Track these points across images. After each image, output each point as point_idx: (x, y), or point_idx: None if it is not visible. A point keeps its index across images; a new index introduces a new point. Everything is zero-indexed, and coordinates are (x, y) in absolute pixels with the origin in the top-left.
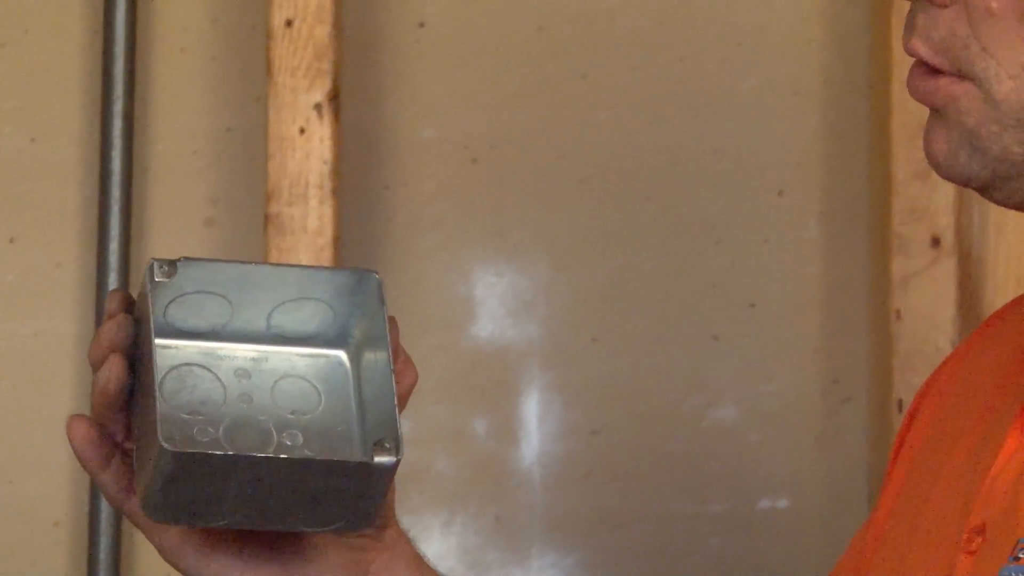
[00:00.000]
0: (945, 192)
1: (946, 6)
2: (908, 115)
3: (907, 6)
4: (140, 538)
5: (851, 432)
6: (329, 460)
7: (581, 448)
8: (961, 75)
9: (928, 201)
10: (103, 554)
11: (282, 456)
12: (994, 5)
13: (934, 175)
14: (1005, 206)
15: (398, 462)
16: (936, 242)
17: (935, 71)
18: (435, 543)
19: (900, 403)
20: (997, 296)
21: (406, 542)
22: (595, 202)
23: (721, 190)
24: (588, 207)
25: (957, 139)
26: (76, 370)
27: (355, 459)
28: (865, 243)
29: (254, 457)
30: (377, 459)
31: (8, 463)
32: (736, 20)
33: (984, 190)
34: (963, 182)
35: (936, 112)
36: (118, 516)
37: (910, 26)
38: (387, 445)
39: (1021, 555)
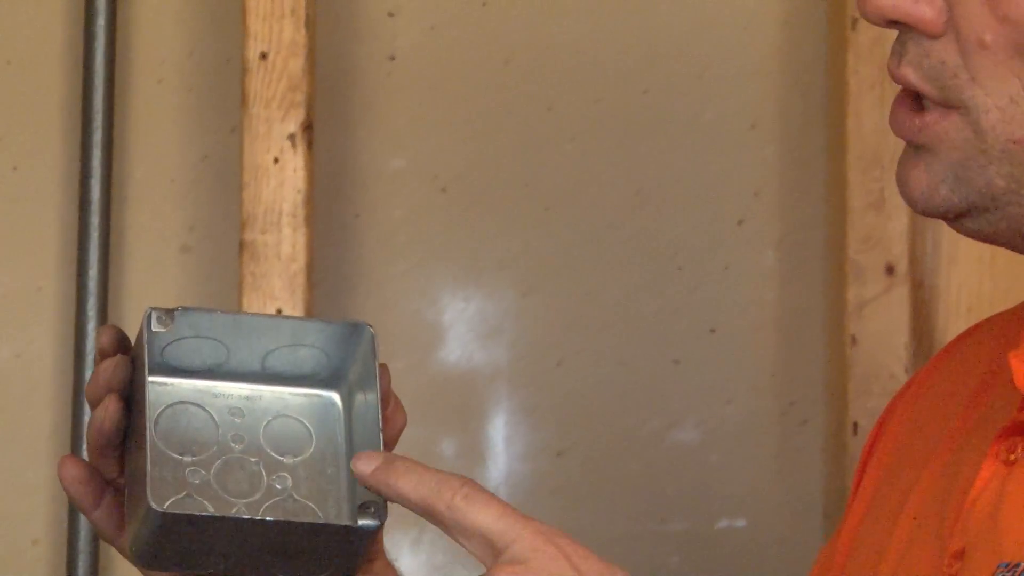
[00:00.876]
0: (899, 221)
1: (938, 37)
2: (863, 147)
3: (866, 40)
4: (119, 557)
5: (807, 454)
6: (312, 524)
7: (547, 468)
8: (948, 104)
9: (883, 230)
10: (82, 571)
11: (268, 519)
12: (987, 38)
13: (888, 205)
14: (975, 237)
15: (382, 525)
16: (890, 270)
17: (918, 108)
18: (405, 560)
19: (855, 426)
20: (949, 323)
21: (393, 572)
22: (560, 230)
23: (682, 219)
24: (553, 234)
25: (941, 173)
26: (55, 392)
27: (339, 523)
28: (821, 271)
29: (240, 518)
30: (361, 523)
31: None
32: (696, 54)
33: (956, 220)
34: (939, 215)
35: (914, 147)
36: (96, 534)
37: (898, 53)
38: (371, 509)
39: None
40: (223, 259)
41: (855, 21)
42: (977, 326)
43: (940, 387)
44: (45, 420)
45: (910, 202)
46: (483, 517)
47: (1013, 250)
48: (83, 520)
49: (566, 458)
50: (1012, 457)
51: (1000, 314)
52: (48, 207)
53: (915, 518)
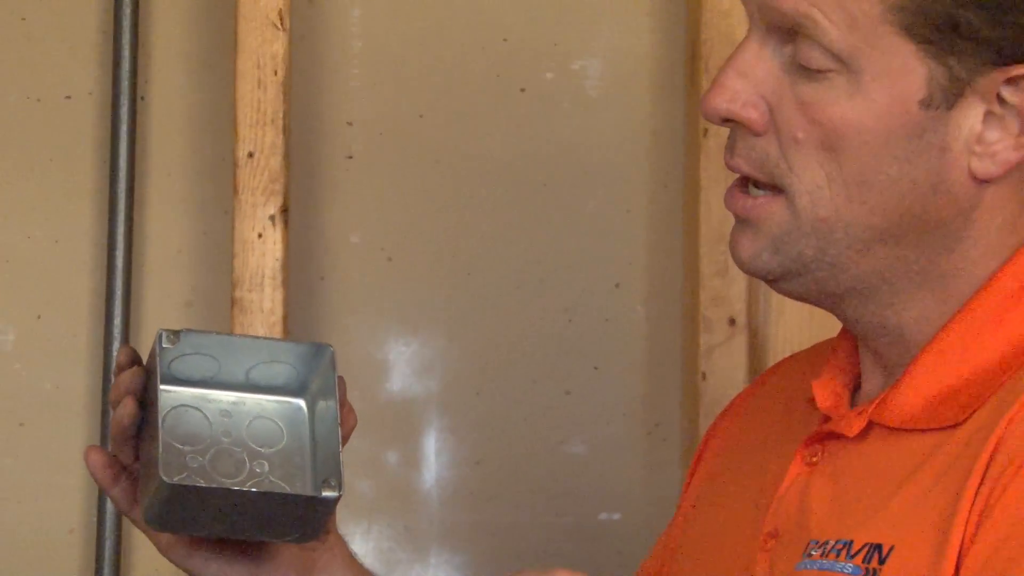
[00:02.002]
0: (739, 285)
1: (762, 135)
2: (712, 228)
3: (714, 145)
4: (137, 541)
5: (668, 463)
6: (285, 494)
7: (468, 475)
8: (775, 188)
9: (727, 292)
10: (108, 554)
11: (252, 489)
12: (800, 135)
13: (731, 272)
14: (789, 296)
15: (340, 497)
16: (732, 322)
17: (746, 191)
18: (356, 546)
19: None
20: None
21: (343, 545)
22: (479, 290)
23: (573, 282)
24: (474, 294)
25: (763, 243)
26: (86, 415)
27: (306, 493)
28: (679, 323)
29: (229, 489)
30: (324, 494)
31: (34, 485)
32: (583, 156)
33: (775, 282)
34: (760, 276)
35: (743, 221)
36: (120, 523)
37: (731, 147)
38: (332, 483)
39: (813, 553)
40: (219, 312)
41: (706, 131)
42: (782, 361)
43: (755, 408)
44: (79, 437)
45: (739, 264)
46: None
47: (821, 307)
48: (109, 513)
49: (483, 466)
50: (814, 460)
51: (800, 352)
52: (83, 271)
53: (735, 509)
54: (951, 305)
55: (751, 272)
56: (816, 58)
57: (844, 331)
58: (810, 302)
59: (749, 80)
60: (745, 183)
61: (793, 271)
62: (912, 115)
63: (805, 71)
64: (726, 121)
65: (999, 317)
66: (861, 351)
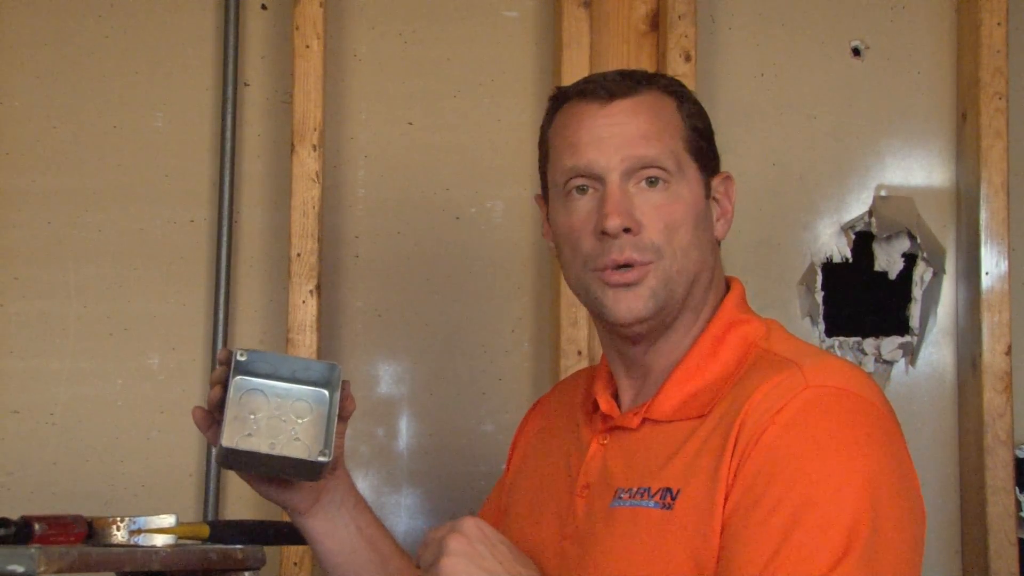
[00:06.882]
0: (583, 332)
1: (638, 234)
2: (568, 299)
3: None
4: (230, 481)
5: None
6: (297, 458)
7: (424, 442)
8: (646, 263)
9: (577, 335)
10: (212, 488)
11: (277, 454)
12: (678, 217)
13: (579, 324)
14: (639, 334)
15: (328, 461)
16: (579, 352)
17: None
18: (358, 485)
19: None
20: None
21: (347, 475)
22: (432, 334)
23: (487, 328)
24: (429, 337)
25: (645, 297)
26: (199, 385)
27: (310, 458)
28: (550, 352)
29: (257, 452)
30: (318, 459)
31: (169, 441)
32: (493, 256)
33: (645, 322)
34: (637, 322)
35: (625, 287)
36: (219, 471)
37: (619, 246)
38: (325, 451)
39: (623, 496)
40: (279, 346)
41: (559, 250)
42: (578, 372)
43: (555, 406)
44: (192, 400)
45: (622, 319)
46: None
47: (639, 342)
48: (213, 464)
49: (433, 437)
50: (604, 442)
51: (574, 374)
52: (204, 323)
53: (550, 474)
54: (690, 336)
55: (630, 323)
56: (658, 175)
57: (603, 362)
58: (646, 337)
59: (625, 206)
60: (616, 268)
61: (665, 319)
62: (701, 203)
63: (651, 182)
64: (621, 231)
65: (715, 349)
66: (619, 376)
